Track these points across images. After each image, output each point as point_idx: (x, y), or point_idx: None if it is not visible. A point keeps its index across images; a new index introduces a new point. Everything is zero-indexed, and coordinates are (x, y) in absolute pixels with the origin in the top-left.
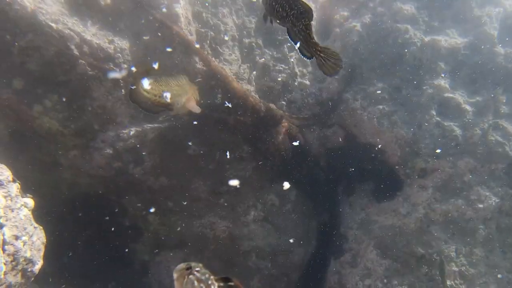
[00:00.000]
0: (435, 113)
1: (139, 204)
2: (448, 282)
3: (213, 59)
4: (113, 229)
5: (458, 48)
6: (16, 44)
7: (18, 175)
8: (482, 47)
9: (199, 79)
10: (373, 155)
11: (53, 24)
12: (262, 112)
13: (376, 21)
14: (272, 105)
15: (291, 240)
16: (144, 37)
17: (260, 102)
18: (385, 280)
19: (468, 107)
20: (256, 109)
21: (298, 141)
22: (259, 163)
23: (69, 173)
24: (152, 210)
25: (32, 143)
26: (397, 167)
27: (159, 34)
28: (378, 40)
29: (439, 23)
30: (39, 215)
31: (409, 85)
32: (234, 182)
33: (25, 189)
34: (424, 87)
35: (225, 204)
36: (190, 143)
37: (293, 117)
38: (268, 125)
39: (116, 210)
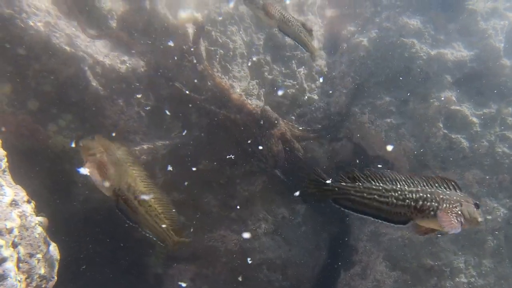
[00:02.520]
0: (442, 126)
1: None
2: None
3: (218, 74)
4: (126, 243)
5: (464, 61)
6: (31, 66)
7: (33, 193)
8: (488, 59)
9: (204, 97)
10: (382, 167)
11: (66, 47)
12: (257, 114)
13: (382, 35)
14: (267, 107)
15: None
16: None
17: (257, 107)
18: None
19: (475, 119)
20: (252, 112)
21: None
22: (251, 163)
23: (83, 189)
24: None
25: (47, 161)
26: None
27: (170, 52)
28: (384, 55)
29: (445, 37)
30: (54, 231)
31: (416, 98)
32: None
33: (40, 208)
34: (431, 100)
35: (236, 217)
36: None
37: (294, 127)
38: (263, 127)
39: (129, 225)
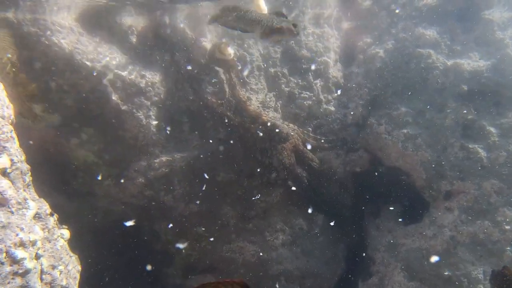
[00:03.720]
0: (459, 136)
1: (170, 230)
2: None
3: (238, 87)
4: (146, 254)
5: (481, 71)
6: (55, 82)
7: (56, 205)
8: (506, 69)
9: (221, 101)
10: (398, 178)
11: (88, 63)
12: (269, 127)
13: (398, 46)
14: (278, 123)
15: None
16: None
17: (271, 120)
18: None
19: (492, 129)
20: (266, 123)
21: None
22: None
23: (104, 202)
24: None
25: (69, 175)
26: (423, 189)
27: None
28: (401, 65)
29: (461, 47)
30: (76, 243)
31: (433, 109)
32: None
33: (62, 220)
34: (448, 110)
35: (254, 228)
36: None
37: (310, 136)
38: (274, 141)
39: (148, 237)
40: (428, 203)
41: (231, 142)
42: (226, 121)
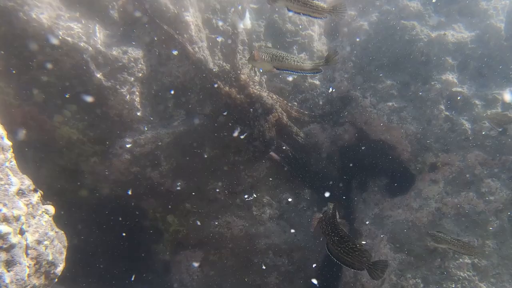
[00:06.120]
0: (444, 108)
1: (158, 207)
2: (461, 274)
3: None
4: (134, 230)
5: (465, 42)
6: (35, 58)
7: (42, 183)
8: (489, 40)
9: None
10: (384, 151)
11: (69, 38)
12: (254, 98)
13: (383, 19)
14: (264, 94)
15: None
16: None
17: (257, 91)
18: (399, 274)
19: (476, 101)
20: (251, 95)
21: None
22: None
23: (90, 179)
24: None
25: (54, 152)
26: (409, 162)
27: (171, 41)
28: (385, 38)
29: (445, 18)
30: (63, 219)
31: (418, 81)
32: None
33: (49, 196)
34: (432, 82)
35: (241, 203)
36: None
37: (292, 108)
38: (257, 112)
39: (137, 213)
40: (413, 175)
41: (217, 117)
42: (216, 87)
